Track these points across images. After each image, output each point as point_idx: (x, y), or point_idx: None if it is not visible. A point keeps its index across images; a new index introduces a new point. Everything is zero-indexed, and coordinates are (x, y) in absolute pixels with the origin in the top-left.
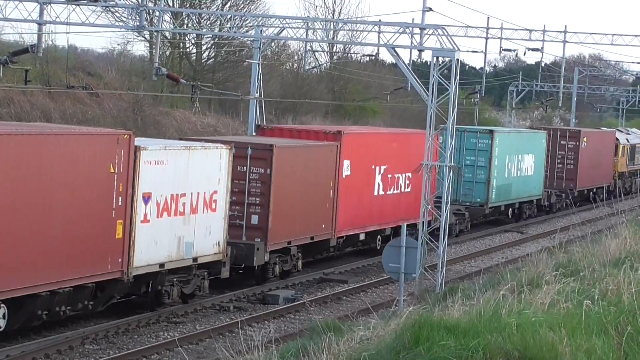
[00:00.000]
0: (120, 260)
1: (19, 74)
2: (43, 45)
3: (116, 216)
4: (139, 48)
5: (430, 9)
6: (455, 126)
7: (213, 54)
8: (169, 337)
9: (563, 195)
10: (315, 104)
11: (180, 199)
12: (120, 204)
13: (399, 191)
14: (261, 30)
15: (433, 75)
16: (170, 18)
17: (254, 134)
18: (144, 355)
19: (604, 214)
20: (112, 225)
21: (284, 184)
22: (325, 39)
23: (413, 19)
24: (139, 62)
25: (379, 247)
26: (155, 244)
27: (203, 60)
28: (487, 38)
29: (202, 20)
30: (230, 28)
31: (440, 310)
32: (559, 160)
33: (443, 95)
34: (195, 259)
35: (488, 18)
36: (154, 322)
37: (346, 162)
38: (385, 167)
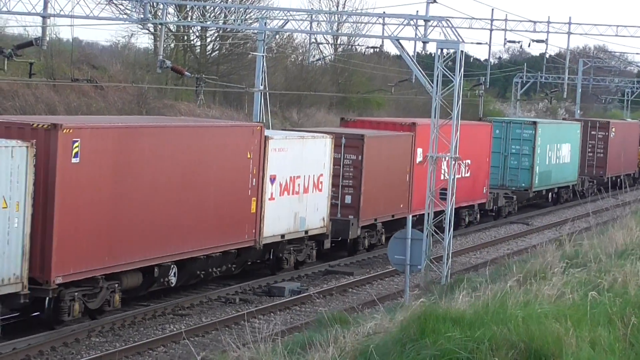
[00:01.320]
0: (253, 231)
1: (23, 67)
2: (47, 39)
3: (251, 194)
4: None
5: (435, 1)
6: (500, 117)
7: (217, 47)
8: (175, 329)
9: (595, 181)
10: (320, 96)
11: (296, 181)
12: (254, 184)
13: (460, 176)
14: (265, 23)
15: (438, 67)
16: (175, 10)
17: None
18: (150, 347)
19: (609, 205)
20: (248, 202)
21: (372, 169)
22: (330, 31)
23: (417, 11)
24: (144, 54)
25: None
26: (278, 218)
27: (207, 53)
28: (491, 30)
29: (206, 13)
30: (234, 20)
31: (446, 301)
32: (589, 149)
33: (448, 87)
34: (306, 232)
35: (492, 10)
36: (160, 314)
37: (419, 150)
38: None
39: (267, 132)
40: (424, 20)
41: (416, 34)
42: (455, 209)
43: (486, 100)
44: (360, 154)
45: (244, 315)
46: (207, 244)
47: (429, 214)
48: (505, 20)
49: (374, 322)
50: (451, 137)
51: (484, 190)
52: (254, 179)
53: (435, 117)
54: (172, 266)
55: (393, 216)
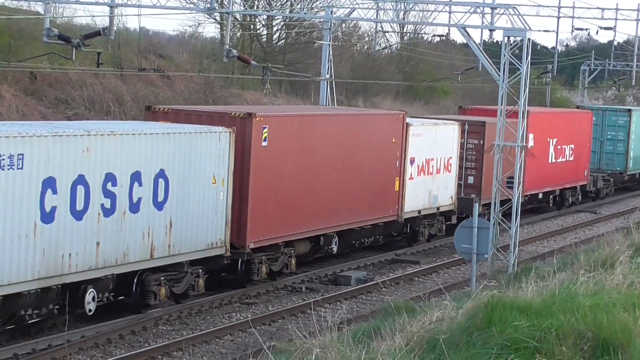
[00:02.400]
0: (396, 207)
1: (91, 56)
2: (115, 28)
3: (395, 174)
4: (210, 30)
5: None
6: (596, 105)
7: (283, 36)
8: (241, 318)
9: None
10: (386, 85)
11: (430, 162)
12: (397, 165)
13: (564, 159)
14: (332, 11)
15: (504, 55)
16: (241, 0)
17: None
18: (216, 336)
19: None
20: (392, 181)
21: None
22: (396, 19)
23: None
24: (210, 44)
25: (551, 204)
26: (415, 195)
27: (273, 42)
28: (558, 17)
29: (272, 2)
30: (300, 9)
31: (513, 290)
32: None
33: (514, 75)
34: (438, 208)
35: None
36: (227, 303)
37: (531, 136)
38: (556, 139)
39: (408, 120)
40: (491, 8)
41: (483, 22)
42: (560, 190)
43: (553, 88)
44: (481, 138)
45: (310, 304)
46: (361, 217)
47: (495, 202)
48: (573, 7)
49: (441, 311)
50: (518, 126)
51: (585, 173)
52: (397, 161)
53: (501, 105)
54: (334, 236)
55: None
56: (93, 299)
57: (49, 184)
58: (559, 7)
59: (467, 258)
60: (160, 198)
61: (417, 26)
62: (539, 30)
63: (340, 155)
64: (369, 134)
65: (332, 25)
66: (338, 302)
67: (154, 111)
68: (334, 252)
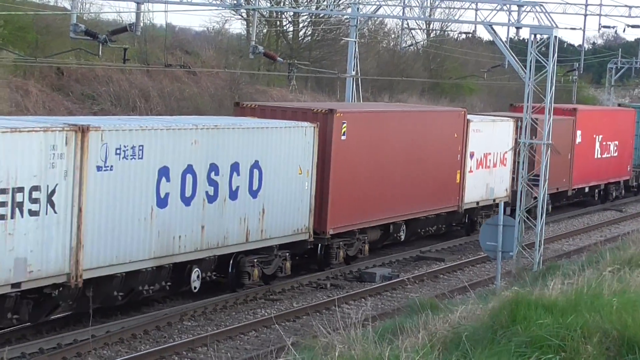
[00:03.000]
0: (457, 198)
1: (117, 52)
2: (141, 24)
3: (456, 168)
4: (236, 26)
5: None
6: (637, 104)
7: (310, 32)
8: (266, 314)
9: None
10: (412, 82)
11: (488, 157)
12: (458, 159)
13: (609, 155)
14: (358, 8)
15: (531, 53)
16: None
17: None
18: (241, 332)
19: None
20: (454, 174)
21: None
22: (422, 16)
23: None
24: (236, 40)
25: (596, 198)
26: (474, 188)
27: (300, 39)
28: (585, 15)
29: None
30: (326, 6)
31: (538, 288)
32: None
33: (541, 72)
34: (494, 200)
35: None
36: (251, 299)
37: (578, 132)
38: (601, 136)
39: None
40: (517, 6)
41: (509, 20)
42: (604, 184)
43: (580, 86)
44: (534, 134)
45: (335, 301)
46: (426, 207)
47: (520, 200)
48: (600, 5)
49: (465, 308)
50: (544, 123)
51: (628, 169)
52: (459, 155)
53: (527, 102)
54: (402, 224)
55: (557, 189)
56: (198, 277)
57: (164, 172)
58: (586, 5)
59: (492, 256)
60: (254, 187)
61: (444, 23)
62: (566, 28)
63: (408, 149)
64: (434, 129)
65: (358, 22)
66: (362, 299)
67: (242, 107)
68: (402, 240)
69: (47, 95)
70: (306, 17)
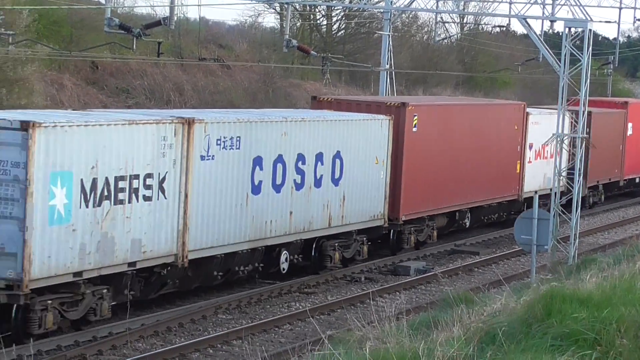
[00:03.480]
0: (517, 187)
1: (151, 46)
2: (175, 18)
3: (516, 158)
4: (270, 20)
5: None
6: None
7: (343, 26)
8: (300, 307)
9: None
10: (446, 76)
11: (545, 148)
12: (518, 150)
13: None
14: (391, 2)
15: (565, 46)
16: None
17: None
18: (275, 325)
19: None
20: (514, 164)
21: (596, 139)
22: (456, 10)
23: None
24: (270, 34)
25: None
26: (533, 177)
27: (333, 32)
28: (620, 8)
29: None
30: (360, 0)
31: (573, 282)
32: None
33: (575, 66)
34: (551, 189)
35: None
36: (286, 292)
37: (630, 125)
38: None
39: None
40: None
41: (543, 13)
42: None
43: (615, 79)
44: (588, 126)
45: (369, 294)
46: (489, 195)
47: (555, 193)
48: None
49: (500, 302)
50: (579, 117)
51: None
52: (519, 146)
53: (562, 96)
54: (467, 212)
55: (609, 179)
56: (286, 259)
57: (258, 162)
58: None
59: (527, 249)
60: (336, 176)
61: (477, 17)
62: (601, 21)
63: (473, 140)
64: (496, 122)
65: (392, 15)
66: (397, 293)
67: (319, 101)
68: (467, 226)
69: (81, 89)
70: (340, 10)
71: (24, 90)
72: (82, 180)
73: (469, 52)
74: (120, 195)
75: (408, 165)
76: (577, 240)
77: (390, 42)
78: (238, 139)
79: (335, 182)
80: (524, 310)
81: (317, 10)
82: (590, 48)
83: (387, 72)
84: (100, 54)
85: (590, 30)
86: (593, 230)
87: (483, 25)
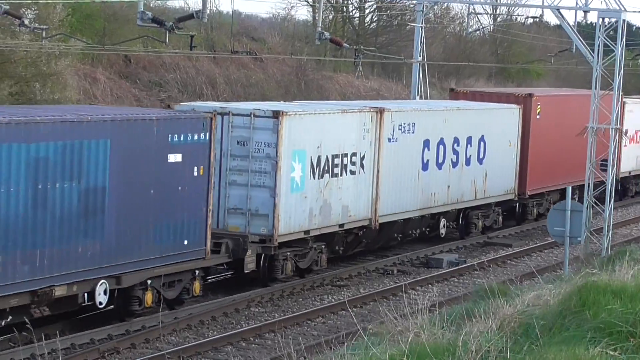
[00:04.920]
0: (615, 168)
1: (184, 39)
2: (208, 11)
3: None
4: (302, 12)
5: None
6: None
7: (376, 18)
8: (333, 300)
9: None
10: (479, 67)
11: (638, 133)
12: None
13: None
14: None
15: (599, 37)
16: None
17: (417, 97)
18: (308, 318)
19: None
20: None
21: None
22: (488, 1)
23: None
24: (302, 26)
25: None
26: (627, 159)
27: (366, 24)
28: None
29: None
30: None
31: (607, 274)
32: None
33: (609, 57)
34: None
35: None
36: (318, 285)
37: None
38: None
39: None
40: None
41: (577, 3)
42: None
43: None
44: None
45: (402, 287)
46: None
47: (589, 184)
48: None
49: (534, 294)
50: (612, 108)
51: None
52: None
53: (595, 87)
54: (577, 189)
55: None
56: (444, 225)
57: (426, 143)
58: None
59: (560, 241)
60: (481, 156)
61: (510, 8)
62: (635, 11)
63: (578, 126)
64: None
65: (425, 7)
66: (429, 285)
67: (456, 92)
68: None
69: (114, 82)
70: (372, 2)
71: (57, 85)
72: (311, 157)
73: (501, 44)
74: (335, 170)
75: (533, 147)
76: (610, 232)
77: (423, 34)
78: (413, 124)
79: (480, 161)
80: (558, 302)
81: (349, 2)
82: (624, 38)
83: (419, 64)
84: (133, 47)
85: (624, 20)
86: (626, 222)
87: (516, 17)
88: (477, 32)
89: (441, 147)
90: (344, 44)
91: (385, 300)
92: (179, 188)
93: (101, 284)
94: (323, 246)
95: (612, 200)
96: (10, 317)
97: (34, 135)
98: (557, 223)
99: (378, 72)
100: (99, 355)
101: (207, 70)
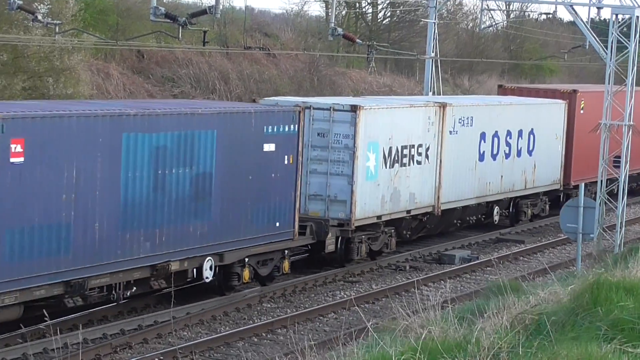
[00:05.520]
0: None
1: (197, 35)
2: (221, 7)
3: None
4: (315, 8)
5: None
6: None
7: (389, 14)
8: (345, 296)
9: None
10: (491, 63)
11: None
12: None
13: None
14: None
15: (612, 33)
16: None
17: (429, 93)
18: (320, 313)
19: None
20: None
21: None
22: None
23: None
24: (315, 22)
25: None
26: None
27: (379, 20)
28: None
29: None
30: None
31: (620, 271)
32: None
33: (622, 53)
34: None
35: None
36: (330, 281)
37: None
38: None
39: None
40: None
41: (590, 0)
42: None
43: None
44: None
45: (414, 283)
46: (632, 167)
47: (601, 181)
48: None
49: (546, 290)
50: (625, 104)
51: None
52: None
53: (609, 83)
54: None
55: None
56: (496, 213)
57: (482, 136)
58: None
59: (573, 238)
60: (530, 148)
61: (523, 4)
62: None
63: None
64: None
65: (438, 3)
66: (442, 281)
67: (504, 89)
68: (614, 193)
69: (127, 78)
70: None
71: (70, 80)
72: (383, 148)
73: (514, 40)
74: (404, 160)
75: (577, 140)
76: (623, 229)
77: (436, 30)
78: (471, 118)
79: (530, 153)
80: (571, 298)
81: None
82: (638, 35)
83: (432, 60)
84: (146, 43)
85: (637, 17)
86: (639, 219)
87: (529, 13)
88: (490, 28)
89: (495, 139)
90: (357, 40)
91: (397, 296)
92: (273, 175)
93: (207, 260)
94: (392, 230)
95: (625, 197)
96: (135, 288)
97: (155, 126)
98: (569, 219)
99: (391, 68)
100: (112, 350)
101: (219, 66)
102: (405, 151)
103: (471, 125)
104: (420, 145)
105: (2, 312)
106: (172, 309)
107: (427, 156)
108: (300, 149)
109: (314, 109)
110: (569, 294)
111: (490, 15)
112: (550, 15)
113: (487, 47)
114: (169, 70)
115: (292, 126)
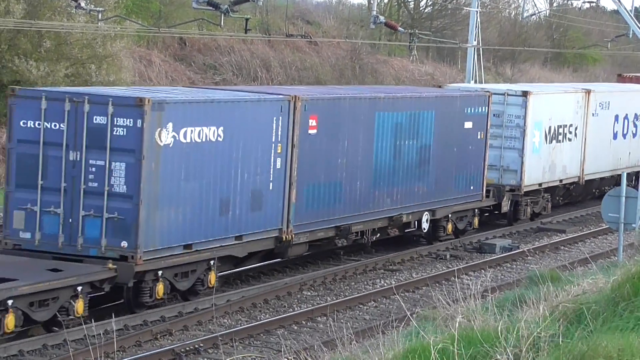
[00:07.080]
0: None
1: (239, 22)
2: None
3: None
4: None
5: None
6: None
7: (431, 2)
8: (385, 284)
9: None
10: (534, 52)
11: None
12: None
13: None
14: None
15: None
16: None
17: (472, 82)
18: (360, 302)
19: None
20: None
21: None
22: None
23: None
24: (357, 10)
25: None
26: None
27: (421, 8)
28: None
29: None
30: None
31: None
32: None
33: None
34: None
35: None
36: (371, 269)
37: None
38: None
39: None
40: None
41: None
42: None
43: None
44: None
45: (454, 272)
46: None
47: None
48: None
49: (587, 280)
50: None
51: None
52: None
53: None
54: None
55: None
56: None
57: (616, 118)
58: None
59: (614, 227)
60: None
61: None
62: None
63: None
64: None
65: None
66: (482, 270)
67: (622, 77)
68: None
69: (169, 65)
70: None
71: (112, 67)
72: (545, 127)
73: (557, 29)
74: (559, 137)
75: None
76: None
77: (478, 19)
78: (608, 102)
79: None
80: (611, 289)
81: None
82: None
83: (474, 49)
84: (188, 30)
85: None
86: None
87: (572, 1)
88: (533, 16)
89: (625, 121)
90: (399, 28)
91: (437, 285)
92: (470, 147)
93: (425, 214)
94: (549, 196)
95: None
96: (378, 234)
97: (396, 106)
98: (611, 209)
99: (433, 56)
100: (152, 337)
101: (261, 54)
102: (560, 130)
103: (608, 109)
104: (571, 125)
105: (295, 248)
106: (213, 296)
107: (575, 134)
108: (488, 126)
109: (491, 94)
110: (610, 284)
111: (533, 4)
112: (594, 4)
113: (530, 35)
114: (211, 58)
115: (483, 108)
